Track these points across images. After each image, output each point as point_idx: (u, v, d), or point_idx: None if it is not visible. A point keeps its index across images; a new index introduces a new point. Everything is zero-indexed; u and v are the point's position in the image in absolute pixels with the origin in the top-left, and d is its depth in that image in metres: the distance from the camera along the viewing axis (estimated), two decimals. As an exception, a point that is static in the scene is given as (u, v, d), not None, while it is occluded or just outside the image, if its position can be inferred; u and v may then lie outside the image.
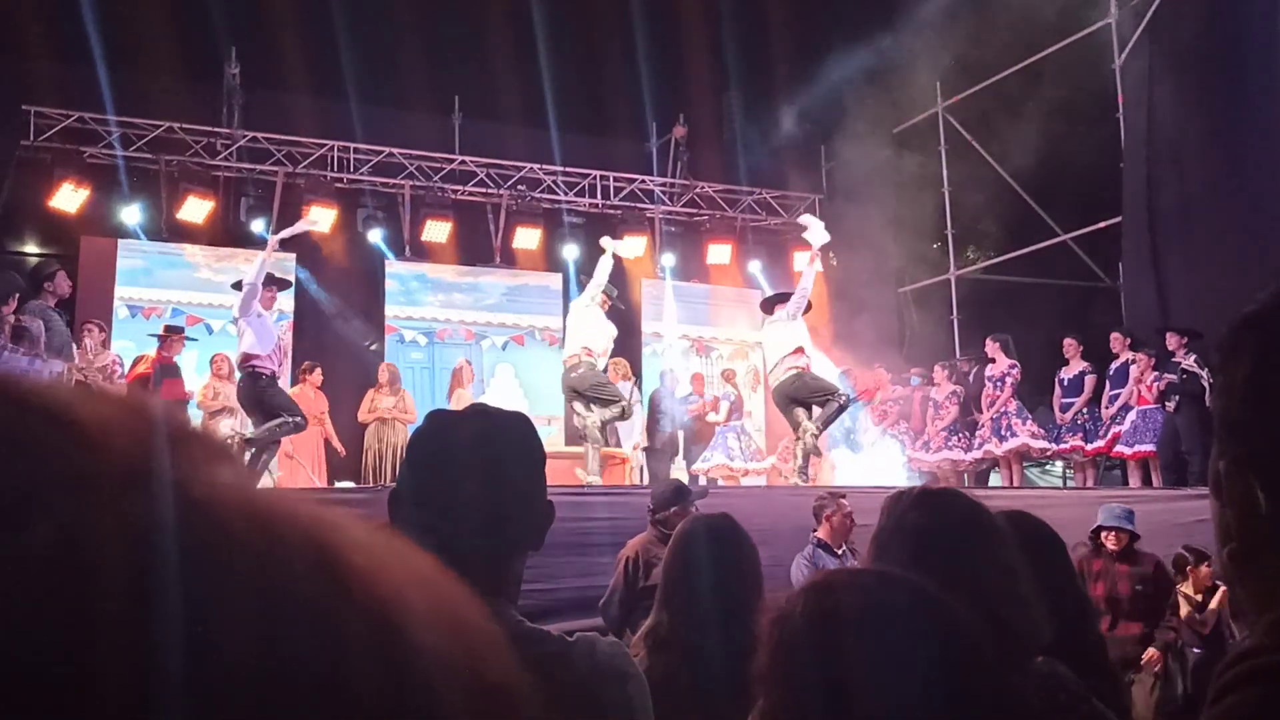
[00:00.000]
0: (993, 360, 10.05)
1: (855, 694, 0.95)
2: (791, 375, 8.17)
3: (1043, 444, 9.66)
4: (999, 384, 9.90)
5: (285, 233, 8.10)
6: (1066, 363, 9.91)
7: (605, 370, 8.51)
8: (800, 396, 8.22)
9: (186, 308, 11.62)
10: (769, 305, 8.89)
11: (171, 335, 9.21)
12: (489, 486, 1.33)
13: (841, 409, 8.20)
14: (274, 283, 8.00)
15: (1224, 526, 0.78)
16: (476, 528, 1.32)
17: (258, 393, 7.48)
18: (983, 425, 9.95)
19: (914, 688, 0.95)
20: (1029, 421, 9.71)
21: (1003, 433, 9.75)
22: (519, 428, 1.42)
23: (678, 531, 2.55)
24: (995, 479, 10.43)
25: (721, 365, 13.37)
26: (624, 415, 8.26)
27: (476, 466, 1.34)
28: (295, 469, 9.71)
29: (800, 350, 8.26)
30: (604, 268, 8.39)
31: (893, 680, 0.95)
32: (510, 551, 1.37)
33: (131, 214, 11.66)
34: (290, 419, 7.43)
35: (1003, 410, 9.78)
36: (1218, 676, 0.73)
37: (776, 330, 8.49)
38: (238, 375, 7.78)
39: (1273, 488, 0.73)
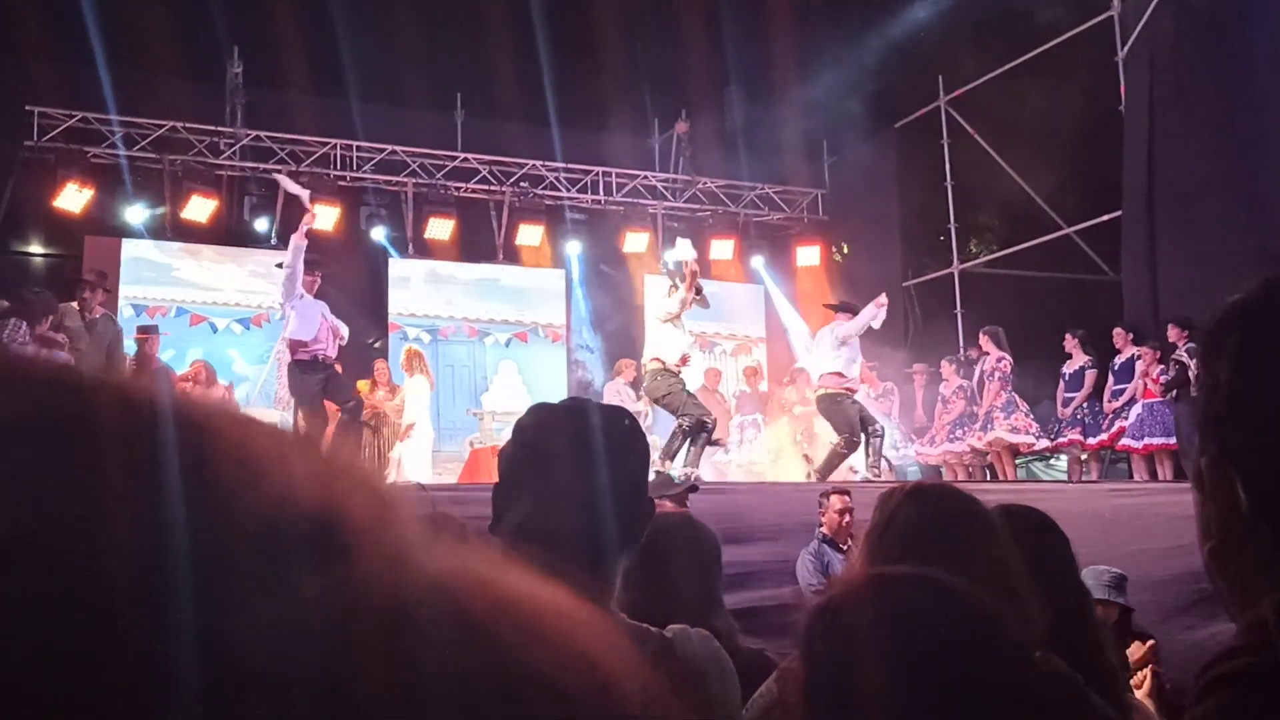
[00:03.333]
0: (986, 354, 10.08)
1: (904, 697, 0.94)
2: (822, 394, 8.55)
3: (1024, 438, 9.65)
4: (991, 377, 9.94)
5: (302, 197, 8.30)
6: (1069, 357, 9.91)
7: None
8: (826, 417, 8.59)
9: (191, 307, 11.64)
10: (833, 309, 9.23)
11: (148, 334, 9.28)
12: (590, 481, 1.30)
13: (842, 456, 8.36)
14: (315, 266, 8.12)
15: (1205, 523, 0.78)
16: (579, 524, 1.29)
17: (310, 385, 7.58)
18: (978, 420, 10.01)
19: (970, 687, 0.94)
20: (1013, 415, 9.70)
21: (986, 426, 9.81)
22: (621, 423, 1.40)
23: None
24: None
25: (725, 360, 13.39)
26: (701, 429, 7.78)
27: (578, 461, 1.31)
28: None
29: (837, 374, 8.50)
30: (681, 291, 8.07)
31: (947, 681, 0.94)
32: (612, 548, 1.32)
33: (135, 213, 11.68)
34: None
35: (992, 403, 9.82)
36: (1198, 677, 0.72)
37: (822, 345, 8.78)
38: (285, 365, 7.91)
39: (1253, 486, 0.72)
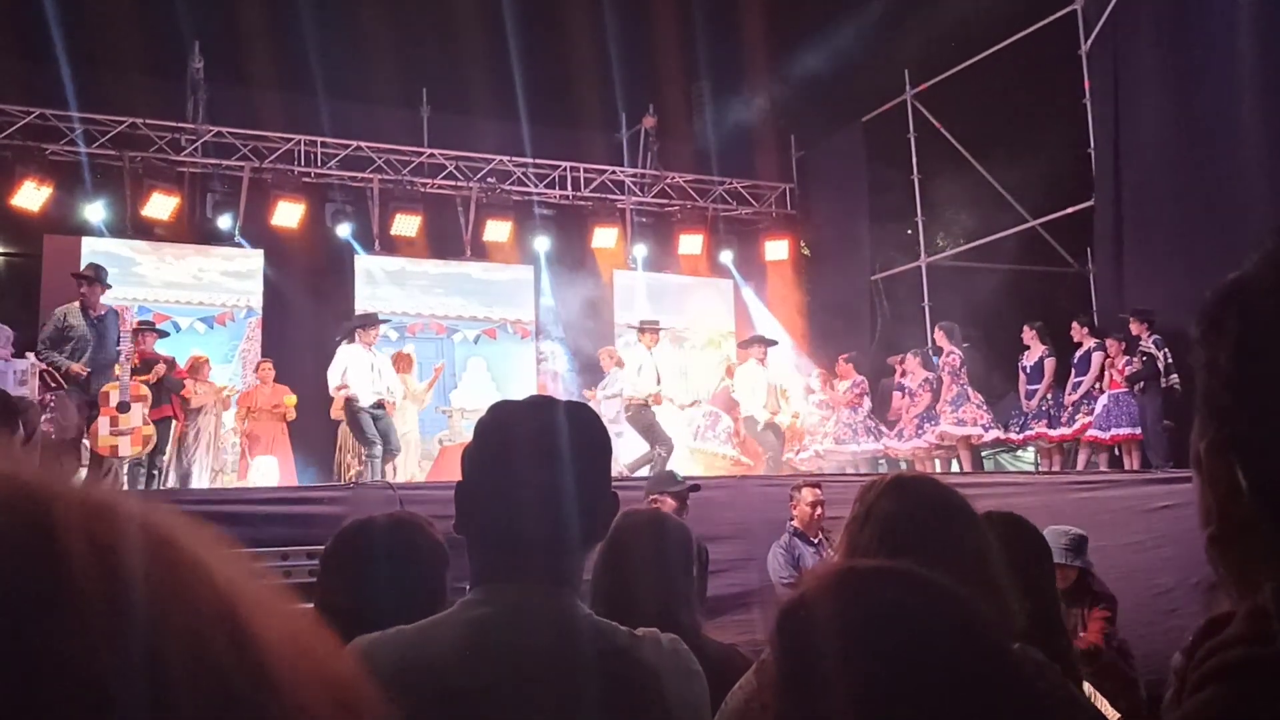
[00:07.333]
0: (941, 349, 10.17)
1: (879, 694, 0.93)
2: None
3: (971, 430, 9.74)
4: (943, 372, 10.06)
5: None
6: (1028, 349, 10.01)
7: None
8: None
9: (153, 305, 11.48)
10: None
11: (142, 330, 9.15)
12: (553, 477, 1.31)
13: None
14: (375, 322, 9.59)
15: (1205, 508, 0.76)
16: (543, 519, 1.30)
17: (353, 416, 8.98)
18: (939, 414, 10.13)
19: (944, 684, 0.93)
20: (962, 408, 9.79)
21: (936, 420, 9.95)
22: (583, 417, 1.40)
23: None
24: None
25: (695, 355, 13.40)
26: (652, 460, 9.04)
27: (541, 457, 1.32)
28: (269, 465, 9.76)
29: None
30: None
31: (921, 676, 0.93)
32: (576, 543, 1.34)
33: (95, 211, 11.50)
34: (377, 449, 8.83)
35: (943, 398, 9.94)
36: (1196, 666, 0.71)
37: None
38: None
39: (1254, 470, 0.71)
